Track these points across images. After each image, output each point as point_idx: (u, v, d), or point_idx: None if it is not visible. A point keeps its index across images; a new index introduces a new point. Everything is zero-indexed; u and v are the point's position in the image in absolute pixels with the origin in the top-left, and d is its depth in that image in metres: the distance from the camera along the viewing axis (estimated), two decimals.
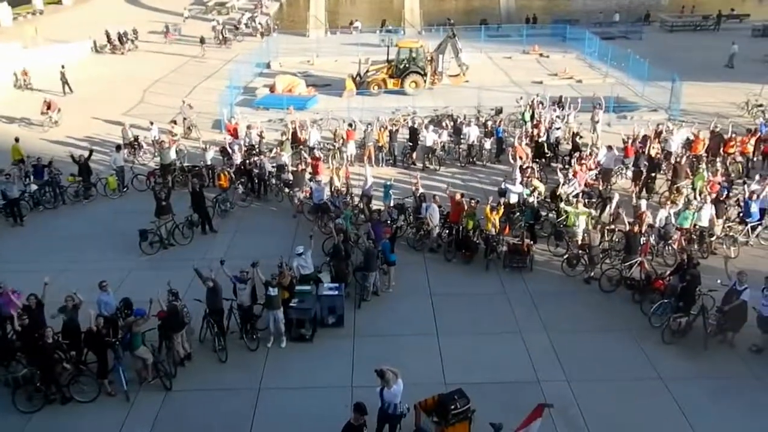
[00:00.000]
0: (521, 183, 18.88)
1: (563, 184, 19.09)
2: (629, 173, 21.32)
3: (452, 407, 10.59)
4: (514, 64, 38.35)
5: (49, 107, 28.18)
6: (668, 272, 15.07)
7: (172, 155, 22.00)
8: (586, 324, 14.46)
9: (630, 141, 21.77)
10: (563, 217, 17.63)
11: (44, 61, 35.91)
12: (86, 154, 21.63)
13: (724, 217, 17.64)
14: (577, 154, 21.58)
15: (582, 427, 11.55)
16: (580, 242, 16.53)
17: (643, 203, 17.49)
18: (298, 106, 28.92)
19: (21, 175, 20.81)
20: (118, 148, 22.55)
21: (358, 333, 14.22)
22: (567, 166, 21.25)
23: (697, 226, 16.98)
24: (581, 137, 23.46)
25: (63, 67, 33.19)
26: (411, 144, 23.64)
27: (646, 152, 21.15)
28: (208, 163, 21.94)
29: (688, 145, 22.24)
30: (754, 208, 17.33)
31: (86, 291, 13.24)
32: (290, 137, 23.68)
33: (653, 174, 20.58)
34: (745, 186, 18.17)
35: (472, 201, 17.49)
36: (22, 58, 35.98)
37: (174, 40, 45.28)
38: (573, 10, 58.57)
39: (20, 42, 39.77)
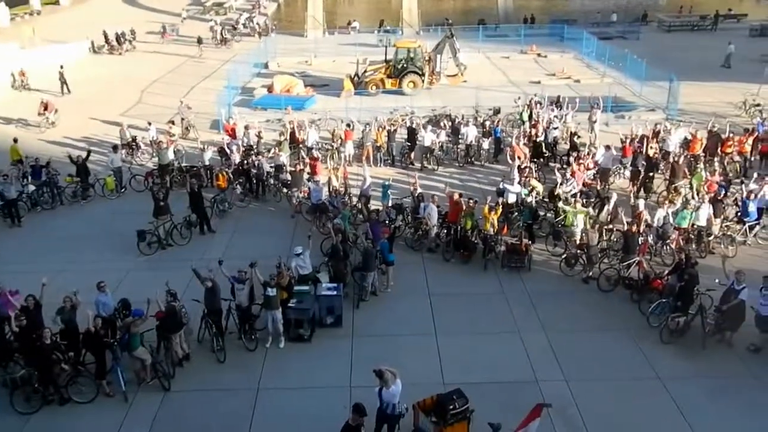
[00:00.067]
0: (519, 183, 18.88)
1: (561, 184, 19.10)
2: (627, 173, 21.34)
3: (451, 407, 10.59)
4: (512, 64, 38.36)
5: (46, 108, 28.14)
6: (666, 272, 15.09)
7: (170, 155, 21.97)
8: (584, 323, 14.47)
9: (628, 141, 21.77)
10: (561, 217, 17.64)
11: (42, 61, 35.87)
12: (84, 154, 21.60)
13: (722, 217, 17.68)
14: (575, 154, 21.62)
15: (580, 426, 11.56)
16: (578, 242, 16.55)
17: (641, 203, 17.51)
18: (296, 106, 28.90)
19: (19, 175, 20.78)
20: (115, 148, 22.51)
21: (357, 333, 14.22)
22: (565, 166, 21.27)
23: (695, 226, 17.01)
24: (579, 137, 23.47)
25: (62, 67, 33.16)
26: (409, 144, 23.63)
27: (644, 152, 21.17)
28: (206, 163, 21.94)
29: (686, 144, 22.27)
30: (752, 208, 17.36)
31: (84, 292, 13.22)
32: (288, 137, 23.68)
33: (651, 174, 20.60)
34: (743, 185, 18.19)
35: (471, 201, 17.48)
36: (19, 58, 35.92)
37: (171, 41, 45.25)
38: (571, 10, 58.60)
39: (18, 42, 39.70)
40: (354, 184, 20.75)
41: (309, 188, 19.40)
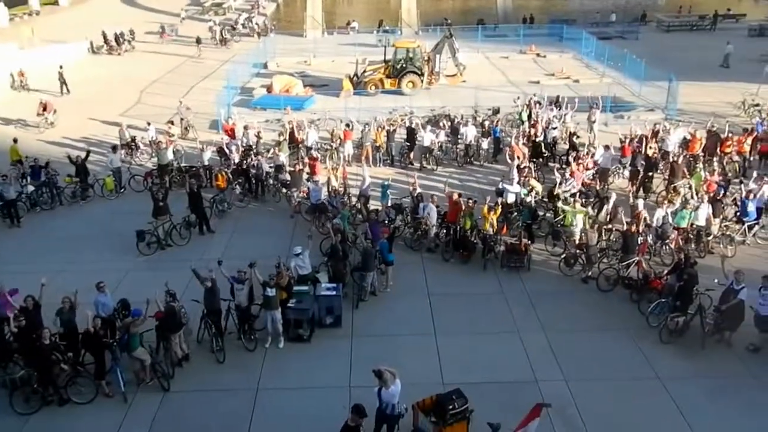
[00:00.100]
0: (518, 183, 18.89)
1: (560, 184, 19.10)
2: (626, 173, 21.35)
3: (450, 407, 10.59)
4: (511, 64, 38.38)
5: (45, 108, 28.12)
6: (666, 271, 15.11)
7: (170, 156, 21.95)
8: (583, 323, 14.47)
9: (627, 140, 21.79)
10: (561, 217, 17.64)
11: (41, 61, 35.81)
12: (83, 155, 21.59)
13: (721, 217, 17.70)
14: (574, 154, 21.61)
15: (580, 426, 11.56)
16: (577, 242, 16.55)
17: (641, 203, 17.51)
18: (296, 106, 28.89)
19: (18, 176, 20.76)
20: (115, 148, 22.50)
21: (356, 333, 14.22)
22: (564, 166, 21.25)
23: (694, 226, 17.01)
24: (578, 137, 23.46)
25: (61, 67, 33.14)
26: (408, 144, 23.63)
27: (643, 152, 21.18)
28: (206, 163, 21.92)
29: (685, 144, 22.29)
30: (751, 207, 17.36)
31: (83, 292, 13.21)
32: (287, 137, 23.67)
33: (650, 173, 20.60)
34: (742, 185, 18.20)
35: (470, 201, 17.47)
36: (18, 58, 35.86)
37: (170, 41, 45.23)
38: (570, 10, 58.66)
39: (17, 43, 39.62)
40: (353, 184, 20.73)
41: (308, 188, 19.39)
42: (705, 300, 13.84)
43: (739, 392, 12.32)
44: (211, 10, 55.68)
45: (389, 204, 18.80)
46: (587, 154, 21.52)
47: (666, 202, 17.68)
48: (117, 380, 12.27)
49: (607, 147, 20.92)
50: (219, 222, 19.54)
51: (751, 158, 22.28)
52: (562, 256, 16.62)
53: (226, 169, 21.23)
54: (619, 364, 13.16)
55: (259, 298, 13.89)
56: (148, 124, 25.38)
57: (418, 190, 18.64)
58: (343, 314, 14.47)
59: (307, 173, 20.52)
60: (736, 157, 21.89)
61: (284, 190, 20.43)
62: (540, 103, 26.91)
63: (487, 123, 24.70)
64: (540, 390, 12.27)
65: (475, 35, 42.96)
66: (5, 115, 29.39)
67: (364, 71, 32.73)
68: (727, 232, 17.42)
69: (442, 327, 14.36)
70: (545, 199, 19.15)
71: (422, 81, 32.18)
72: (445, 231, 17.58)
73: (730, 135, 22.27)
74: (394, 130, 24.34)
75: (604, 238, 17.07)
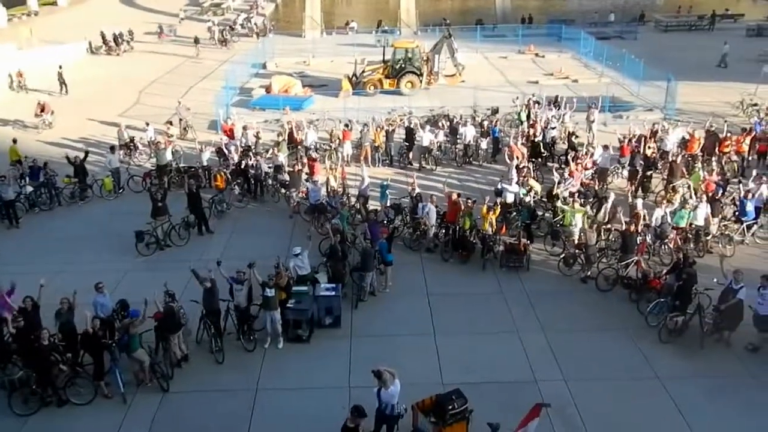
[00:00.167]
0: (517, 183, 18.90)
1: (559, 184, 19.10)
2: (625, 172, 21.36)
3: (450, 407, 10.59)
4: (510, 64, 38.41)
5: (43, 109, 28.10)
6: (665, 271, 15.12)
7: (168, 156, 21.93)
8: (583, 323, 14.48)
9: (626, 140, 21.81)
10: (560, 217, 17.65)
11: (39, 62, 35.77)
12: (82, 155, 21.56)
13: (720, 216, 17.71)
14: (573, 154, 21.63)
15: (579, 426, 11.57)
16: (576, 242, 16.56)
17: (639, 202, 17.53)
18: (295, 106, 28.90)
19: (17, 176, 20.74)
20: (113, 149, 22.48)
21: (355, 333, 14.21)
22: (563, 166, 21.26)
23: (693, 225, 17.02)
24: (577, 137, 23.47)
25: (60, 67, 33.12)
26: (407, 144, 23.63)
27: (642, 151, 21.20)
28: (205, 163, 21.91)
29: (684, 144, 22.31)
30: (750, 207, 17.36)
31: (82, 293, 13.19)
32: (286, 138, 23.67)
33: (649, 173, 20.63)
34: (741, 185, 18.24)
35: (469, 201, 17.48)
36: (17, 59, 35.83)
37: (169, 41, 45.21)
38: (568, 10, 58.72)
39: (15, 43, 39.61)
40: (352, 184, 20.68)
41: (307, 188, 19.37)
42: (704, 299, 13.85)
43: (738, 392, 12.33)
44: (210, 11, 55.67)
45: (388, 204, 18.81)
46: (586, 153, 21.50)
47: (665, 201, 17.70)
48: (116, 381, 12.26)
49: (605, 147, 20.93)
50: (218, 222, 19.53)
51: (750, 158, 22.30)
52: (561, 256, 16.62)
53: (224, 170, 21.23)
54: (619, 363, 13.16)
55: (258, 299, 13.88)
56: (147, 124, 25.36)
57: (417, 190, 18.63)
58: (342, 314, 14.46)
59: (306, 173, 20.51)
60: (734, 157, 21.91)
61: (283, 191, 20.41)
62: (539, 103, 26.92)
63: (486, 123, 24.71)
64: (539, 390, 12.26)
65: (474, 35, 42.98)
66: (4, 115, 29.34)
67: (363, 71, 32.73)
68: (726, 232, 17.44)
69: (442, 327, 14.36)
70: (544, 199, 19.16)
71: (421, 81, 32.19)
72: (444, 231, 17.57)
73: (728, 135, 22.30)
74: (393, 130, 24.34)
75: (603, 237, 17.07)
